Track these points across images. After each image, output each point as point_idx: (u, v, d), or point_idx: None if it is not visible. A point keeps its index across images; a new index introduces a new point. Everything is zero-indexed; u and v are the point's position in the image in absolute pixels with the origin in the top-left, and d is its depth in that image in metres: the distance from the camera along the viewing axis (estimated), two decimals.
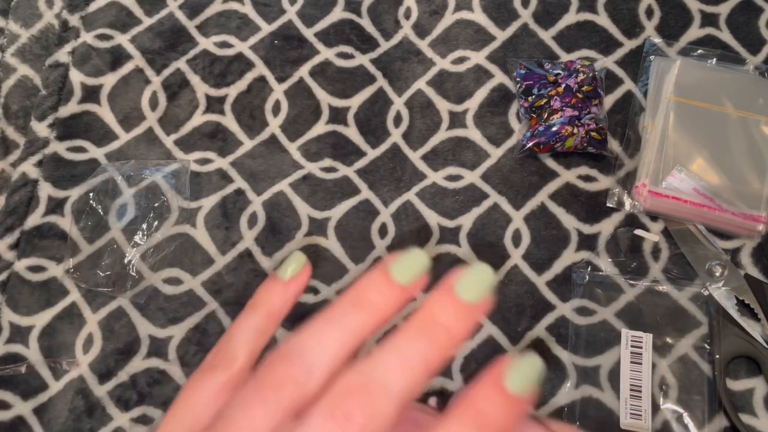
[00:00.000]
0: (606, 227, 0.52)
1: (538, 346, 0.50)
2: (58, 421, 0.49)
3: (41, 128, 0.57)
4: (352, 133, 0.56)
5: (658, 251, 0.52)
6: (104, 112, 0.57)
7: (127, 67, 0.59)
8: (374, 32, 0.59)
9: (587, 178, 0.54)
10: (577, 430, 0.26)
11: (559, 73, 0.55)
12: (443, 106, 0.56)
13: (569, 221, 0.53)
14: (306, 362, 0.21)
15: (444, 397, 0.49)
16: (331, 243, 0.53)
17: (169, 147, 0.56)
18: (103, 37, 0.60)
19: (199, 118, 0.57)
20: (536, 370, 0.23)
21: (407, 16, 0.59)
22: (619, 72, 0.57)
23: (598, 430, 0.47)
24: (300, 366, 0.21)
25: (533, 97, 0.54)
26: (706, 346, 0.49)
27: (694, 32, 0.58)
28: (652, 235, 0.52)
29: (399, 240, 0.53)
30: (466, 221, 0.53)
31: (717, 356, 0.48)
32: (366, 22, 0.59)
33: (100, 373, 0.50)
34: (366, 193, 0.54)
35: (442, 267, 0.52)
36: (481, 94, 0.57)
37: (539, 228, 0.53)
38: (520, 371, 0.22)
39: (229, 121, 0.57)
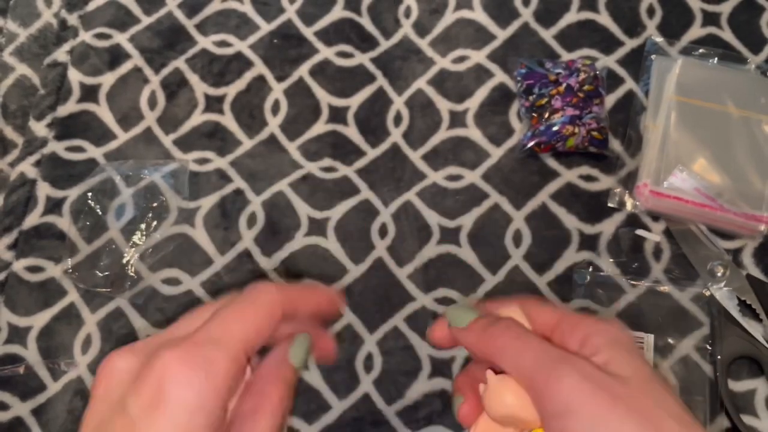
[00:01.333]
0: (607, 227, 0.52)
1: None
2: (56, 422, 0.49)
3: (39, 128, 0.57)
4: (351, 132, 0.56)
5: (659, 251, 0.51)
6: (103, 111, 0.57)
7: (125, 67, 0.58)
8: (374, 31, 0.59)
9: (588, 178, 0.54)
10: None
11: (560, 73, 0.55)
12: (443, 106, 0.56)
13: (570, 221, 0.52)
14: None
15: (444, 399, 0.48)
16: (331, 243, 0.53)
17: (167, 147, 0.56)
18: (101, 36, 0.59)
19: (197, 118, 0.57)
20: (303, 351, 0.30)
21: (407, 14, 0.59)
22: (621, 71, 0.56)
23: None
24: None
25: (534, 96, 0.54)
26: (708, 346, 0.48)
27: (696, 31, 0.57)
28: (653, 236, 0.52)
29: (399, 240, 0.53)
30: (467, 221, 0.53)
31: (719, 357, 0.47)
32: (366, 21, 0.59)
33: None
34: (366, 193, 0.54)
35: (442, 267, 0.52)
36: (481, 94, 0.56)
37: (540, 228, 0.52)
38: (295, 352, 0.30)
39: (228, 121, 0.57)
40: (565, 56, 0.57)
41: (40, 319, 0.51)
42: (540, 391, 0.26)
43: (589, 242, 0.52)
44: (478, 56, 0.57)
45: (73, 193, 0.54)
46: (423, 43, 0.58)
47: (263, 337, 0.28)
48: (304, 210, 0.54)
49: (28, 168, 0.55)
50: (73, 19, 0.60)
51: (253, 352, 0.28)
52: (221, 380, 0.25)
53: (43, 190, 0.55)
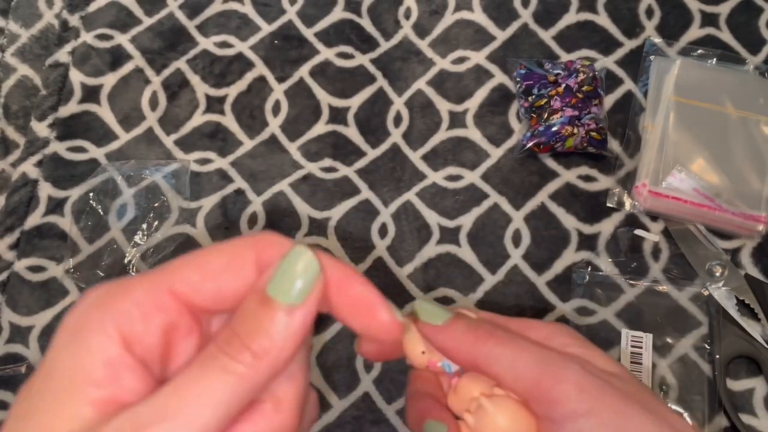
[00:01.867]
0: (606, 227, 0.52)
1: None
2: None
3: (41, 128, 0.57)
4: (352, 133, 0.56)
5: (658, 251, 0.52)
6: (104, 112, 0.57)
7: (127, 67, 0.59)
8: (374, 32, 0.59)
9: (587, 178, 0.54)
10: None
11: (559, 73, 0.55)
12: (443, 106, 0.56)
13: (569, 221, 0.53)
14: None
15: None
16: (331, 243, 0.53)
17: (169, 147, 0.56)
18: (103, 37, 0.60)
19: (199, 118, 0.57)
20: (300, 268, 0.21)
21: (407, 16, 0.59)
22: (620, 72, 0.57)
23: None
24: None
25: (533, 97, 0.54)
26: (706, 346, 0.49)
27: (694, 32, 0.58)
28: (652, 235, 0.52)
29: (399, 240, 0.53)
30: (466, 221, 0.53)
31: (717, 356, 0.48)
32: (366, 22, 0.59)
33: None
34: (366, 193, 0.54)
35: (442, 267, 0.52)
36: (481, 94, 0.57)
37: (539, 228, 0.53)
38: (280, 274, 0.21)
39: (229, 121, 0.57)
40: (564, 57, 0.57)
41: (42, 319, 0.52)
42: (548, 394, 0.24)
43: (588, 242, 0.52)
44: (478, 57, 0.58)
45: (74, 193, 0.55)
46: (423, 44, 0.58)
47: (211, 277, 0.21)
48: (304, 210, 0.54)
49: (29, 168, 0.56)
50: (74, 20, 0.60)
51: (195, 294, 0.21)
52: (118, 305, 0.20)
53: (45, 190, 0.55)
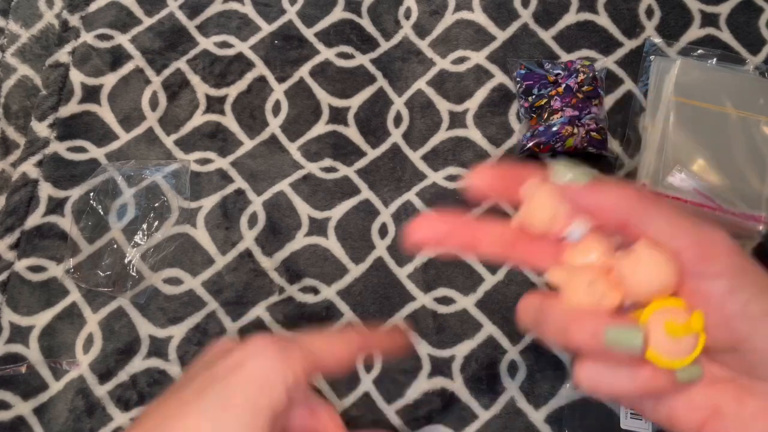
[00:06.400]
0: None
1: (539, 346, 0.50)
2: (58, 421, 0.49)
3: (41, 128, 0.57)
4: (352, 133, 0.56)
5: None
6: (104, 112, 0.57)
7: (127, 67, 0.59)
8: (374, 32, 0.59)
9: None
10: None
11: (559, 73, 0.55)
12: (443, 106, 0.56)
13: None
14: None
15: (444, 398, 0.49)
16: (331, 243, 0.53)
17: (169, 147, 0.56)
18: (103, 37, 0.60)
19: (199, 118, 0.57)
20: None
21: (407, 16, 0.59)
22: (620, 72, 0.57)
23: (599, 430, 0.47)
24: None
25: (533, 97, 0.54)
26: None
27: (695, 32, 0.58)
28: None
29: (399, 240, 0.53)
30: None
31: None
32: (366, 22, 0.59)
33: (101, 373, 0.50)
34: (366, 193, 0.54)
35: (442, 266, 0.52)
36: (481, 94, 0.57)
37: None
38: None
39: (230, 121, 0.57)
40: (564, 57, 0.57)
41: (42, 319, 0.52)
42: (707, 251, 0.25)
43: None
44: (478, 57, 0.58)
45: (75, 193, 0.55)
46: (423, 44, 0.58)
47: (333, 362, 0.34)
48: (304, 210, 0.54)
49: (30, 168, 0.56)
50: (74, 20, 0.60)
51: (316, 370, 0.33)
52: (292, 375, 0.30)
53: (45, 190, 0.55)
